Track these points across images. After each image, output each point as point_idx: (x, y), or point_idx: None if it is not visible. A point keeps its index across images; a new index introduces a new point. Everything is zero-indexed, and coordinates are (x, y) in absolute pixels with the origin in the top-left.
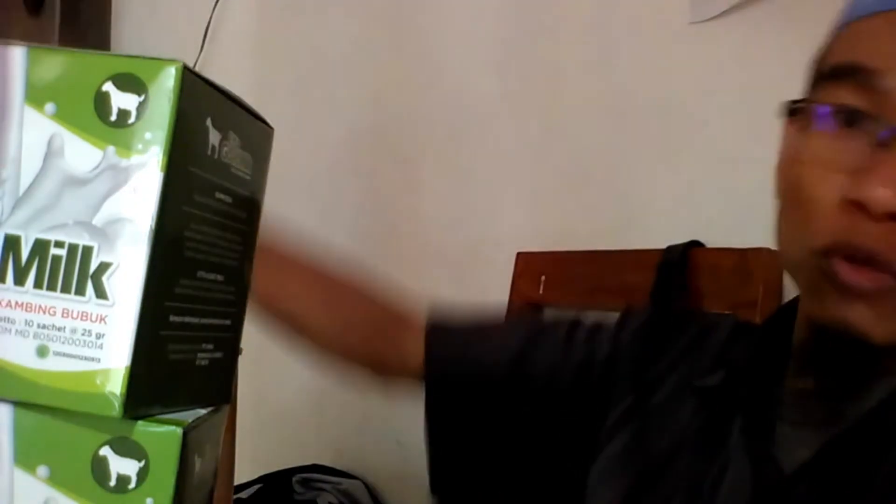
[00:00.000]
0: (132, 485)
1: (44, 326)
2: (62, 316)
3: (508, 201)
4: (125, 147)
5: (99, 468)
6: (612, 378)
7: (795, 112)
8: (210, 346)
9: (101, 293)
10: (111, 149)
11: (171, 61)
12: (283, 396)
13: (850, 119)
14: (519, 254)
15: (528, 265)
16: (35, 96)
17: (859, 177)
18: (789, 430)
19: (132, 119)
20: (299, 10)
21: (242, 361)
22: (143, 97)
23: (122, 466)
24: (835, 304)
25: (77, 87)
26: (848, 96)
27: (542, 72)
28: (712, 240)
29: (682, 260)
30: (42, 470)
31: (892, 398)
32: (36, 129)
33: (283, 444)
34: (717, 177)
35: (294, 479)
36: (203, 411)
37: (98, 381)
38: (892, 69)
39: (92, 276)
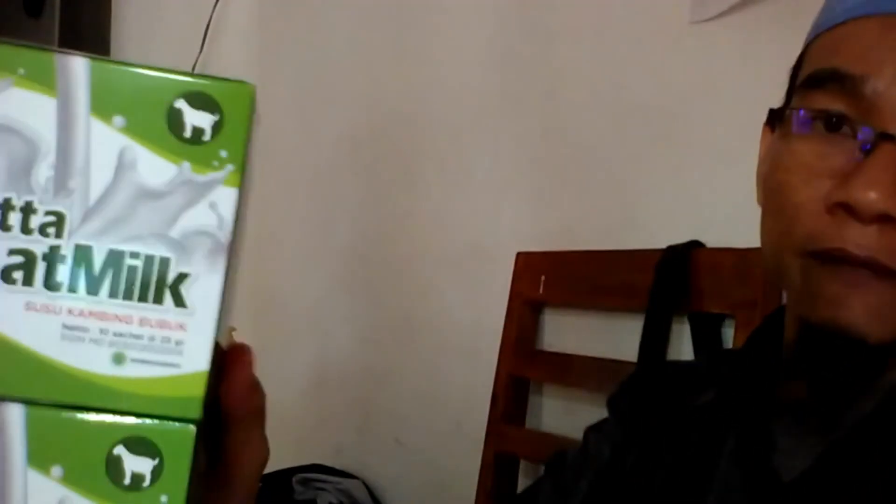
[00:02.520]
0: (146, 483)
1: (120, 334)
2: (139, 324)
3: (508, 201)
4: (200, 163)
5: (113, 467)
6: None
7: (777, 119)
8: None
9: (179, 302)
10: (186, 164)
11: (245, 83)
12: (283, 396)
13: (833, 124)
14: (519, 253)
15: (528, 265)
16: (101, 108)
17: (845, 180)
18: (786, 439)
19: (207, 136)
20: (299, 9)
21: None
22: (217, 116)
23: (137, 465)
24: (827, 302)
25: (147, 102)
26: (830, 102)
27: (542, 72)
28: (712, 240)
29: (683, 260)
30: (56, 470)
31: (889, 401)
32: (105, 141)
33: (283, 444)
34: (717, 177)
35: (294, 478)
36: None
37: (181, 386)
38: (873, 74)
39: (170, 286)
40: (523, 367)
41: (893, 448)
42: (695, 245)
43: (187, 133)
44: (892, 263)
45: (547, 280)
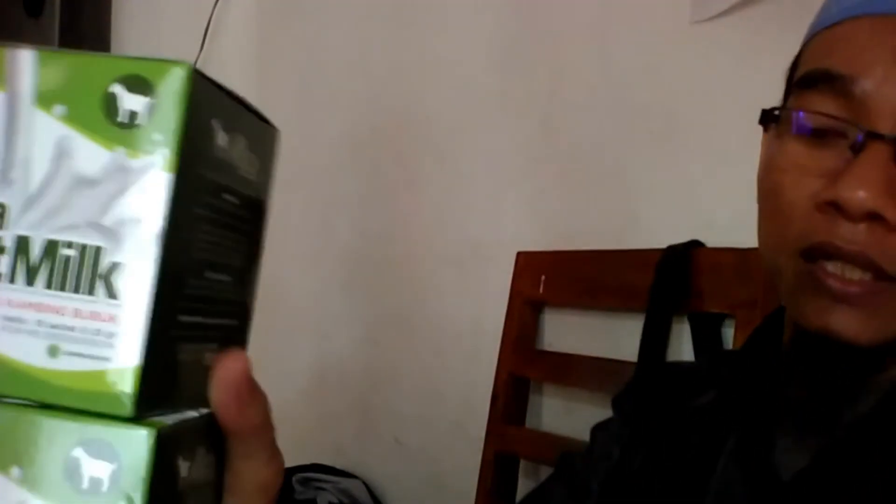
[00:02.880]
0: (105, 487)
1: (55, 326)
2: (73, 315)
3: (508, 201)
4: (134, 148)
5: (71, 469)
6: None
7: (772, 119)
8: (215, 346)
9: (111, 293)
10: (120, 150)
11: (180, 63)
12: (282, 396)
13: (825, 125)
14: (519, 253)
15: (528, 264)
16: (44, 99)
17: (835, 179)
18: (785, 439)
19: (141, 120)
20: (299, 10)
21: None
22: (151, 99)
23: (95, 468)
24: (818, 308)
25: (85, 88)
26: (823, 103)
27: (542, 72)
28: (712, 240)
29: (683, 260)
30: (15, 471)
31: (887, 400)
32: (45, 131)
33: (283, 444)
34: (717, 177)
35: (294, 478)
36: (195, 413)
37: (110, 381)
38: (864, 75)
39: (102, 276)
40: (523, 366)
41: (891, 447)
42: (695, 245)
43: (122, 118)
44: (882, 262)
45: (547, 280)
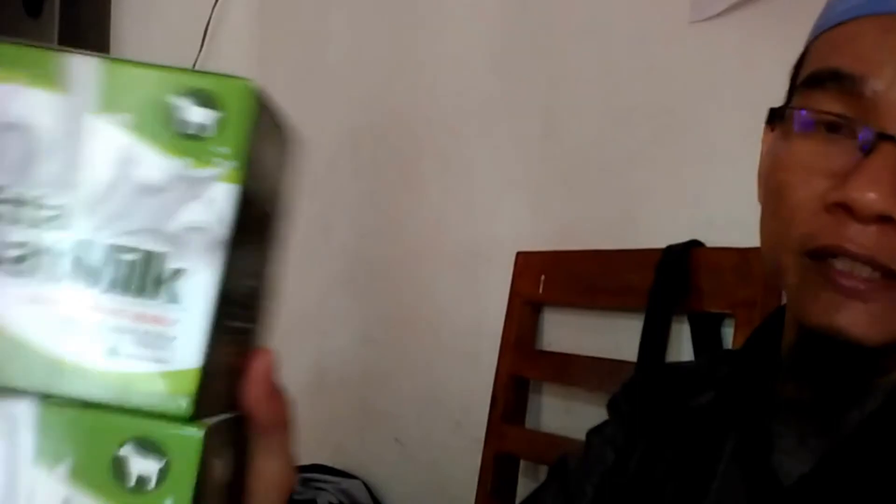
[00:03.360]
0: (151, 485)
1: (115, 328)
2: (133, 318)
3: (508, 201)
4: (200, 160)
5: (119, 467)
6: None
7: (777, 118)
8: (240, 349)
9: (173, 297)
10: (186, 160)
11: (247, 80)
12: None
13: (833, 124)
14: (519, 253)
15: (528, 264)
16: (106, 106)
17: (844, 180)
18: (786, 441)
19: (208, 133)
20: (299, 9)
21: None
22: (219, 113)
23: (143, 466)
24: (826, 304)
25: (150, 99)
26: (830, 102)
27: (542, 72)
28: (712, 239)
29: (682, 259)
30: (62, 468)
31: (889, 403)
32: (107, 138)
33: None
34: (717, 177)
35: None
36: (227, 414)
37: (169, 382)
38: (874, 74)
39: (165, 281)
40: (523, 366)
41: (894, 451)
42: (694, 245)
43: (189, 130)
44: (891, 263)
45: (547, 280)
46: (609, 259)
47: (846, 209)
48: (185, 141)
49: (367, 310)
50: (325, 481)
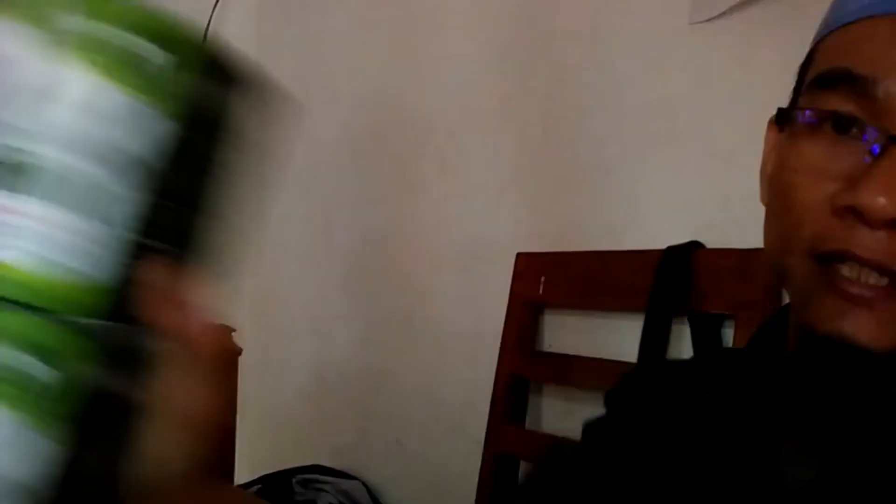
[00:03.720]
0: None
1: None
2: (66, 231)
3: (508, 201)
4: (151, 96)
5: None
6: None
7: (785, 118)
8: (172, 272)
9: (104, 218)
10: (138, 96)
11: (196, 27)
12: (282, 397)
13: (842, 126)
14: (519, 254)
15: (528, 265)
16: (78, 44)
17: (854, 184)
18: (790, 447)
19: (161, 72)
20: (299, 10)
21: (243, 362)
22: (173, 56)
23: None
24: (832, 311)
25: (113, 37)
26: (840, 103)
27: (542, 72)
28: (712, 240)
29: (683, 260)
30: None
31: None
32: (74, 73)
33: (283, 445)
34: (717, 177)
35: (294, 479)
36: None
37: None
38: (886, 76)
39: (100, 201)
40: (523, 367)
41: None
42: (695, 245)
43: (144, 67)
44: None
45: (547, 280)
46: (609, 260)
47: (856, 213)
48: (140, 78)
49: (367, 310)
50: (324, 482)
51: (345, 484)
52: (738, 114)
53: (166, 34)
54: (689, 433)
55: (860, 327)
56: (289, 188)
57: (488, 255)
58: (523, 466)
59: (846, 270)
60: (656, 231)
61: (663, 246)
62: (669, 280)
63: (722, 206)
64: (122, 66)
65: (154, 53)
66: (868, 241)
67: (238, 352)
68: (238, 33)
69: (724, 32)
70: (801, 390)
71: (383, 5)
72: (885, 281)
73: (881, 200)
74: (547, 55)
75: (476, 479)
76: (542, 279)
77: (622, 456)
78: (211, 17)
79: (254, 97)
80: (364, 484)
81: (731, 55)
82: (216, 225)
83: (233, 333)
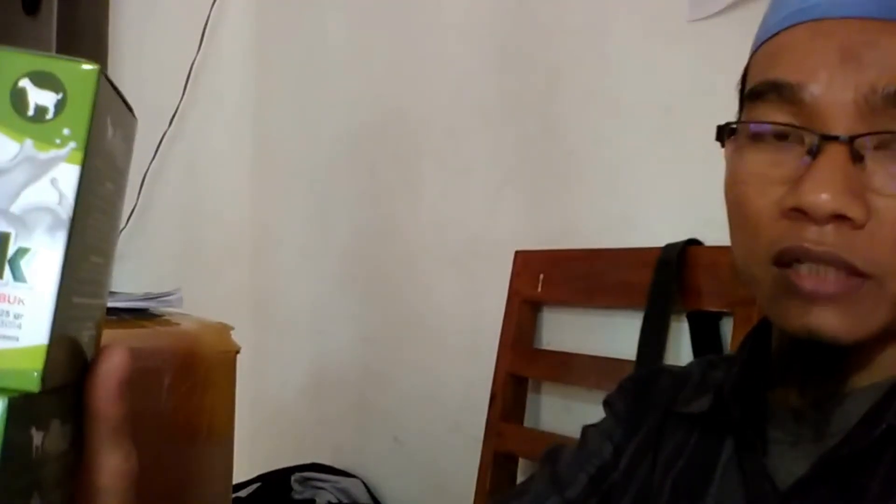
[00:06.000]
0: (50, 115)
1: None
2: None
3: (507, 200)
4: (43, 141)
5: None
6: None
7: (730, 133)
8: (90, 325)
9: (18, 277)
10: (29, 142)
11: (89, 62)
12: (281, 396)
13: (780, 134)
14: (517, 252)
15: (527, 263)
16: None
17: (797, 185)
18: (781, 446)
19: (50, 115)
20: (298, 9)
21: (241, 361)
22: (61, 95)
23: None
24: (797, 311)
25: None
26: (775, 112)
27: (541, 71)
28: (710, 238)
29: (681, 258)
30: None
31: (878, 406)
32: None
33: (282, 443)
34: (715, 176)
35: (293, 477)
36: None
37: (18, 359)
38: (811, 80)
39: (10, 261)
40: (522, 365)
41: (884, 453)
42: (693, 243)
43: (30, 111)
44: (852, 259)
45: (545, 279)
46: (607, 258)
47: (802, 212)
48: (27, 122)
49: (367, 309)
50: (324, 480)
51: (344, 482)
52: (736, 112)
53: (44, 71)
54: (684, 440)
55: (826, 321)
56: (288, 187)
57: (487, 254)
58: (522, 464)
59: (805, 269)
60: (654, 229)
61: (661, 244)
62: (668, 278)
63: (720, 204)
64: (4, 109)
65: (35, 92)
66: (817, 236)
67: (237, 350)
68: (237, 33)
69: (722, 30)
70: (787, 389)
71: (383, 5)
72: (842, 274)
73: (823, 196)
74: (545, 53)
75: (475, 477)
76: (541, 277)
77: (620, 458)
78: (209, 16)
79: (123, 117)
80: (363, 482)
81: (729, 53)
82: (110, 266)
83: (231, 332)
